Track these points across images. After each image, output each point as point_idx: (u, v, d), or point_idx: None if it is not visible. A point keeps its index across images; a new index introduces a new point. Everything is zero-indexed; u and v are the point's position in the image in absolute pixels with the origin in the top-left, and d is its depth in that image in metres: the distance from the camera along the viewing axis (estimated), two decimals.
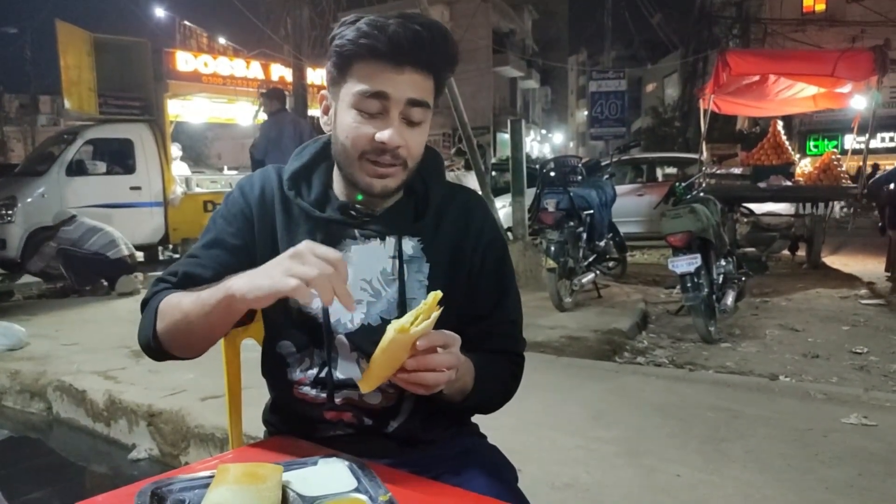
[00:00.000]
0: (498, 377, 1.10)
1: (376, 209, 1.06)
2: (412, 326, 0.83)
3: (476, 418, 1.20)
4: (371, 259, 1.05)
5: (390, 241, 1.06)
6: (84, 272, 6.49)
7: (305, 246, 0.82)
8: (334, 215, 1.05)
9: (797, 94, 7.96)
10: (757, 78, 7.52)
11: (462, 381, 0.97)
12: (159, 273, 1.10)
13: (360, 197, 1.04)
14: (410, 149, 1.00)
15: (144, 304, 1.01)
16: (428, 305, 0.84)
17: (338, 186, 1.08)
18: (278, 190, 1.08)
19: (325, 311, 1.03)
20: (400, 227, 1.06)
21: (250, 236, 1.06)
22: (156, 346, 0.96)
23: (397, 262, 1.05)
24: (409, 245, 1.06)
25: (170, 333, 0.94)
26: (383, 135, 0.96)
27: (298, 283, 0.79)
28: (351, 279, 1.03)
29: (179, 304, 0.93)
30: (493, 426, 1.24)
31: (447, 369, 0.87)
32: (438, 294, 0.85)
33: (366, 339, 1.03)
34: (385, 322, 1.03)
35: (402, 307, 1.03)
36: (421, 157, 1.04)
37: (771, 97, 8.01)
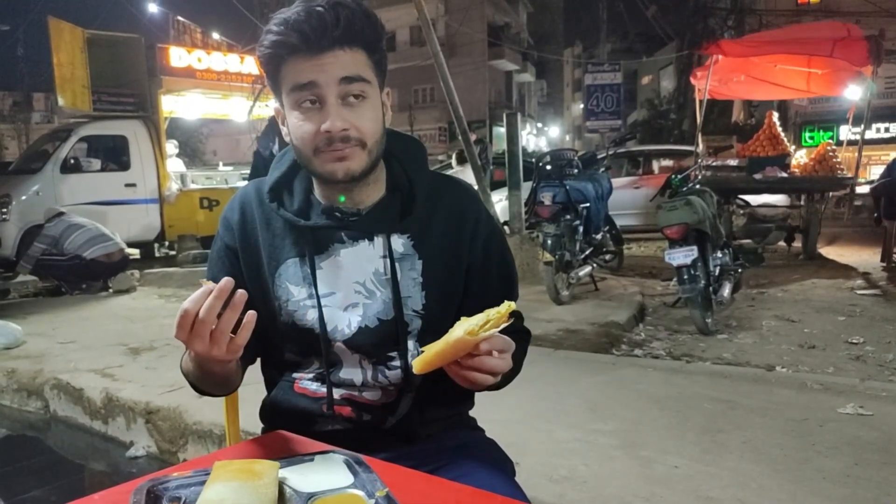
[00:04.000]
0: (518, 360, 1.11)
1: (361, 208, 1.05)
2: (481, 330, 0.83)
3: (474, 412, 1.20)
4: (362, 260, 1.04)
5: (379, 240, 1.04)
6: (66, 278, 6.26)
7: (181, 308, 0.82)
8: (319, 221, 1.04)
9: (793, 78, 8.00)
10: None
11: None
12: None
13: (342, 198, 1.03)
14: (359, 128, 0.97)
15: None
16: (500, 314, 0.84)
17: (319, 190, 1.06)
18: (258, 206, 1.08)
19: (321, 322, 1.02)
20: (387, 225, 1.04)
21: (237, 263, 1.07)
22: (201, 393, 1.07)
23: (388, 261, 1.04)
24: (399, 242, 1.05)
25: (201, 389, 1.04)
26: (326, 124, 0.95)
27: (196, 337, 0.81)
28: (344, 282, 1.04)
29: (188, 373, 1.00)
30: (490, 419, 1.24)
31: (497, 374, 0.88)
32: (511, 305, 0.85)
33: (364, 341, 1.03)
34: (382, 323, 1.03)
35: (398, 307, 1.03)
36: (380, 135, 1.01)
37: (768, 68, 8.01)
